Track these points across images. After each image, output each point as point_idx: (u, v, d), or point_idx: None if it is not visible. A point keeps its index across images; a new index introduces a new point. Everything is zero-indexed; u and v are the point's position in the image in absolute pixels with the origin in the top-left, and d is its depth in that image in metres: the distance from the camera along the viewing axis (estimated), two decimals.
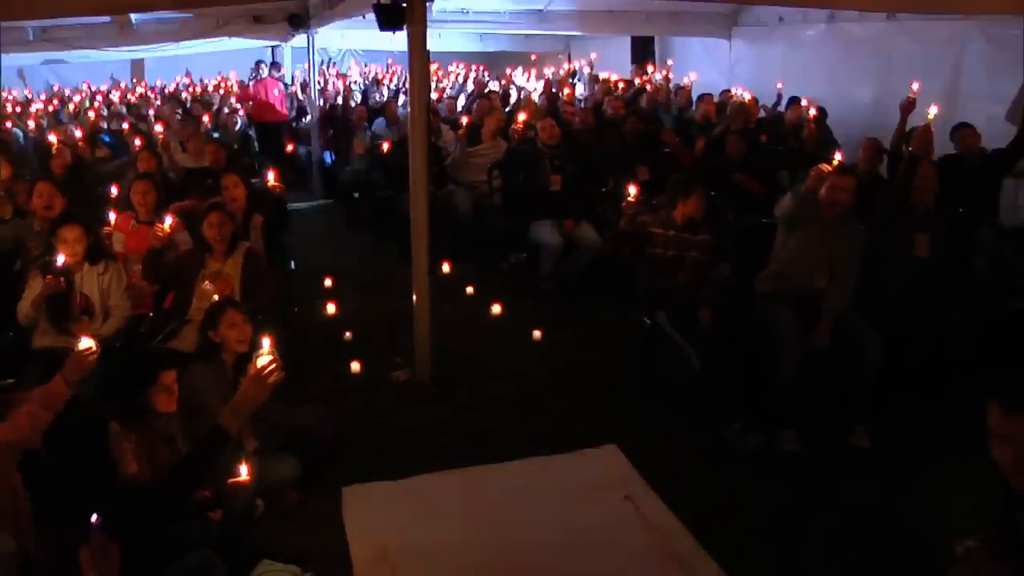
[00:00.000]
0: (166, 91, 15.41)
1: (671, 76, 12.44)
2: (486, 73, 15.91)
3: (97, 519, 2.54)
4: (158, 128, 8.98)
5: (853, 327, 4.99)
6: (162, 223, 5.34)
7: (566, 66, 15.00)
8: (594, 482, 4.62)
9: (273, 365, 3.09)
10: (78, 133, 8.80)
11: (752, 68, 11.90)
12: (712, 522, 4.19)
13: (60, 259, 4.88)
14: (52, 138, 8.04)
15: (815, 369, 4.99)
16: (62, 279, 4.88)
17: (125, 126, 10.08)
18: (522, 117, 8.42)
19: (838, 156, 5.30)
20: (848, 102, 9.57)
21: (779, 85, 10.56)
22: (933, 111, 6.04)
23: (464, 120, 8.77)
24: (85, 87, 14.76)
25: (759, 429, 4.94)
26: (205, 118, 11.52)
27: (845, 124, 8.97)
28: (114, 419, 3.61)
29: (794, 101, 9.61)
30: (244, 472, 3.26)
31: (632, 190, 5.39)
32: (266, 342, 3.15)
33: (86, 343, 3.32)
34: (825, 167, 5.07)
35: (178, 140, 9.24)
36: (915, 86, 6.63)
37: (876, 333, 4.93)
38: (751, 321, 5.20)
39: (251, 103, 12.81)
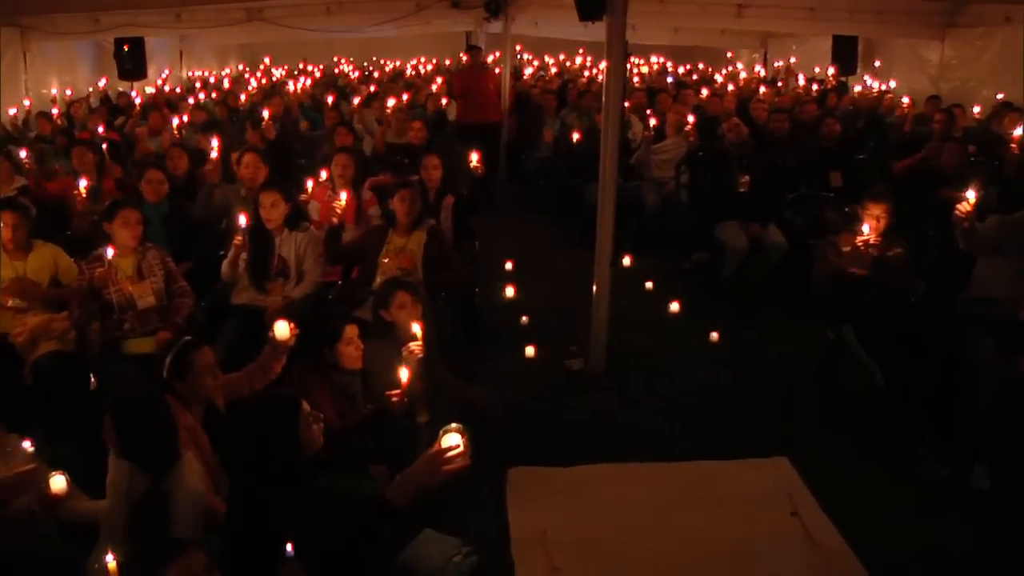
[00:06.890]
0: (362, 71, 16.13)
1: (883, 83, 11.86)
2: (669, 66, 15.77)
3: (291, 551, 2.60)
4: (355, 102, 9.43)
5: None
6: (342, 197, 5.61)
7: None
8: (761, 493, 4.49)
9: (459, 450, 2.89)
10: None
11: (965, 74, 11.11)
12: (883, 552, 3.98)
13: (242, 220, 5.27)
14: (264, 113, 8.60)
15: (1018, 402, 4.60)
16: (242, 238, 5.27)
17: (330, 99, 10.62)
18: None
19: None
20: None
21: (999, 96, 9.80)
22: None
23: (653, 121, 8.64)
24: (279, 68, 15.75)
25: (945, 459, 4.64)
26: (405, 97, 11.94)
27: None
28: (306, 371, 3.87)
29: (1008, 108, 8.94)
30: None
31: (866, 229, 5.10)
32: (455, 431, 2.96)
33: None
34: None
35: (375, 117, 9.65)
36: None
37: None
38: (945, 344, 4.89)
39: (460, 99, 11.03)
